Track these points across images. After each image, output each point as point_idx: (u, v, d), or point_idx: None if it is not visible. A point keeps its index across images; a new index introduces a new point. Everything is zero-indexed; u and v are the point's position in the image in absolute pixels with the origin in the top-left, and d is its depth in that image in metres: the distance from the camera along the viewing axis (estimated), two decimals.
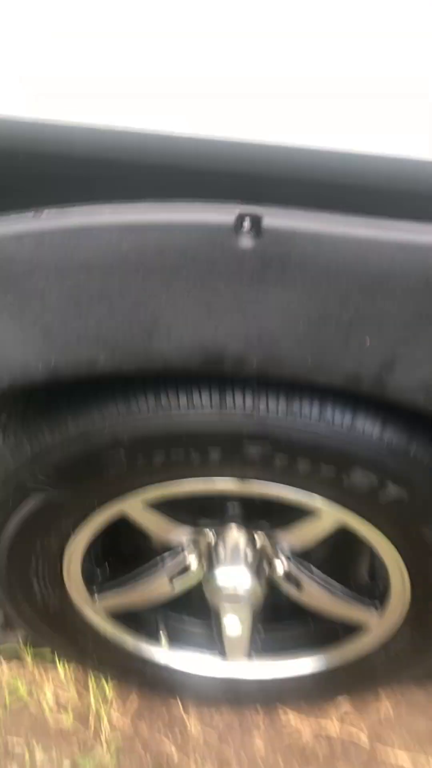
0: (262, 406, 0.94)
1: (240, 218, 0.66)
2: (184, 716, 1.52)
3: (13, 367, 0.79)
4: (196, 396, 0.95)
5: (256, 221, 0.65)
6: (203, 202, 0.67)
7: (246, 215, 0.65)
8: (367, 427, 0.95)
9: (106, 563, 1.33)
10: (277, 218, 0.66)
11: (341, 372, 0.76)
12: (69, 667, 1.54)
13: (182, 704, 1.53)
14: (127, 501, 1.12)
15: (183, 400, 0.95)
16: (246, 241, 0.66)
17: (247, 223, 0.66)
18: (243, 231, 0.66)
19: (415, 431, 0.97)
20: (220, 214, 0.66)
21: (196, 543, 1.27)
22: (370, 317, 0.71)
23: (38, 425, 1.02)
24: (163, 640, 1.40)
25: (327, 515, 1.10)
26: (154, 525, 1.19)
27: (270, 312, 0.71)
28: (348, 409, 0.95)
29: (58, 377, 0.81)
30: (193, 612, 1.47)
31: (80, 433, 1.00)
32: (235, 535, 1.25)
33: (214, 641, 1.43)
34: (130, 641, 1.39)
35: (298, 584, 1.28)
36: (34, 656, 1.54)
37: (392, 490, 1.00)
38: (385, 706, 1.53)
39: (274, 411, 0.94)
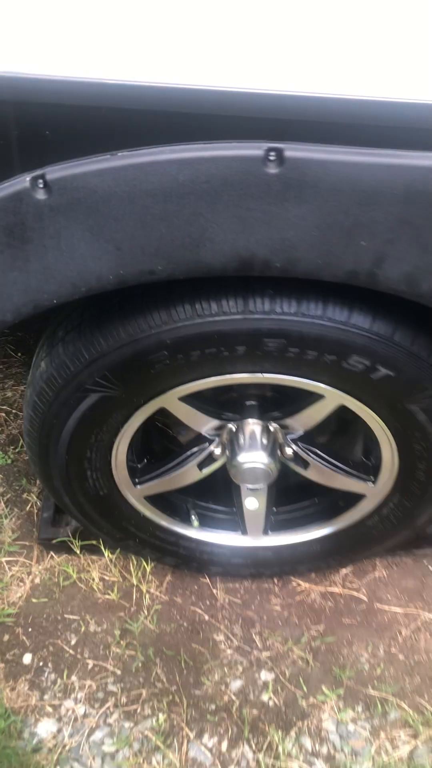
0: (278, 308, 1.18)
1: (267, 151, 0.88)
2: (212, 589, 1.80)
3: (90, 278, 1.02)
4: (224, 302, 1.18)
5: (279, 153, 0.88)
6: (239, 141, 0.89)
7: (272, 148, 0.88)
8: (361, 321, 1.20)
9: (144, 459, 1.59)
10: (295, 150, 0.88)
11: (343, 269, 1.00)
12: (113, 555, 1.82)
13: (210, 580, 1.82)
14: (167, 396, 1.36)
15: (214, 306, 1.18)
16: (272, 168, 0.89)
17: (272, 155, 0.89)
18: (270, 160, 0.89)
19: (398, 322, 1.21)
20: (252, 149, 0.89)
21: (220, 435, 1.53)
22: (365, 224, 0.94)
23: (93, 335, 1.25)
24: (194, 520, 1.67)
25: (329, 398, 1.35)
26: (189, 417, 1.44)
27: (290, 223, 0.94)
28: (345, 307, 1.19)
29: (124, 285, 1.04)
30: (218, 501, 1.74)
31: (130, 339, 1.23)
32: (252, 426, 1.51)
33: (237, 522, 1.71)
34: (165, 523, 1.65)
35: (305, 464, 1.55)
36: (82, 548, 1.81)
37: (381, 372, 1.25)
38: (379, 569, 1.83)
39: (287, 311, 1.18)
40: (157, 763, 1.52)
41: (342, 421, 1.64)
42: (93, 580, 1.80)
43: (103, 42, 0.88)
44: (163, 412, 1.47)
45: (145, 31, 0.89)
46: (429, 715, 1.58)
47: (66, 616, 1.76)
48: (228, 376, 1.32)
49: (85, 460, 1.46)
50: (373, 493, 1.54)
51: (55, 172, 0.92)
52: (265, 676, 1.66)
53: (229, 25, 0.90)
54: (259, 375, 1.31)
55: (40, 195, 0.94)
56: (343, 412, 1.41)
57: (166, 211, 0.94)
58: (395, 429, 1.39)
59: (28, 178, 0.93)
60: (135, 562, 1.81)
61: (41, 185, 0.93)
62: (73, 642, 1.72)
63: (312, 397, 1.39)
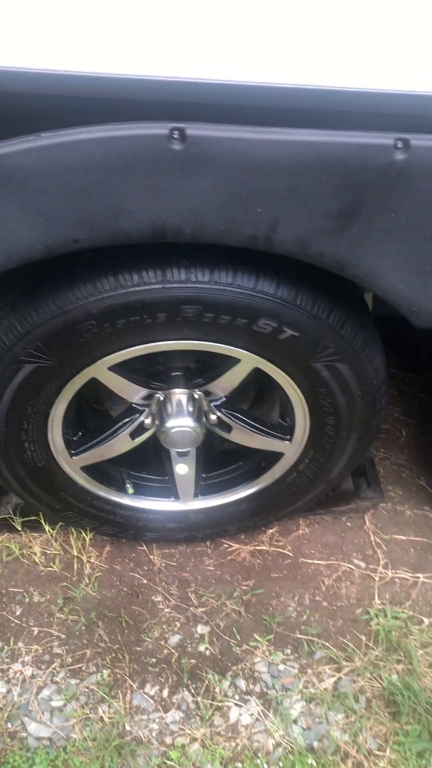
0: (193, 277, 1.33)
1: (171, 129, 1.03)
2: (149, 555, 1.93)
3: (21, 249, 1.14)
4: (144, 274, 1.32)
5: (182, 131, 1.03)
6: (147, 122, 1.04)
7: (175, 128, 1.03)
8: (266, 287, 1.35)
9: (79, 432, 1.71)
10: (195, 129, 1.04)
11: (244, 234, 1.16)
12: (54, 530, 1.91)
13: (147, 547, 1.94)
14: (97, 366, 1.48)
15: (135, 277, 1.32)
16: (176, 145, 1.04)
17: (176, 133, 1.04)
18: (174, 138, 1.04)
19: (300, 288, 1.38)
20: (159, 128, 1.03)
21: (149, 406, 1.66)
22: (259, 193, 1.10)
23: (25, 309, 1.37)
24: (129, 487, 1.80)
25: (244, 361, 1.50)
26: (119, 387, 1.57)
27: (195, 194, 1.09)
28: (252, 275, 1.35)
29: (53, 254, 1.16)
30: (151, 471, 1.87)
31: (59, 311, 1.35)
32: (179, 394, 1.65)
33: (169, 489, 1.84)
34: (102, 492, 1.77)
35: (228, 428, 1.69)
36: (23, 525, 1.90)
37: (287, 333, 1.41)
38: (302, 528, 1.99)
39: (201, 280, 1.33)
40: (103, 712, 1.63)
41: (259, 388, 1.80)
42: (35, 554, 1.90)
43: (23, 33, 1.02)
44: (96, 389, 1.60)
45: (63, 21, 1.03)
46: (351, 652, 1.74)
47: (10, 589, 1.85)
48: (152, 344, 1.46)
49: (23, 431, 1.57)
50: (290, 450, 1.70)
51: None
52: (202, 629, 1.79)
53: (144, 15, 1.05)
54: (181, 341, 1.45)
55: None
56: (260, 380, 1.57)
57: (87, 184, 1.08)
58: (304, 387, 1.55)
59: None
60: (75, 535, 1.92)
61: None
62: (18, 612, 1.80)
63: (229, 362, 1.54)
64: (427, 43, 1.06)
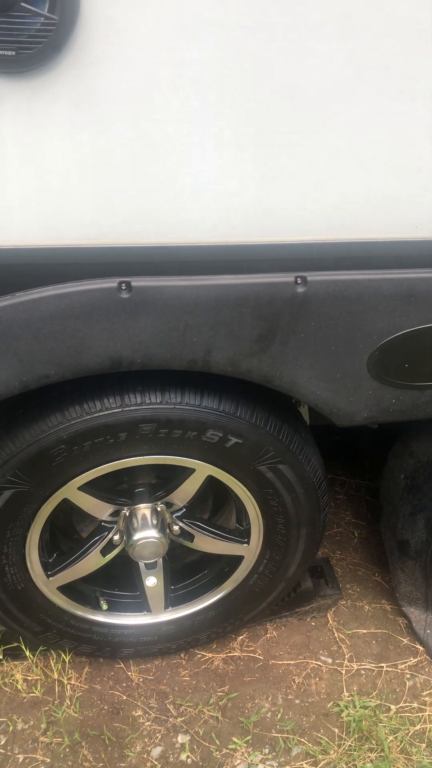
0: (147, 400, 1.57)
1: (119, 283, 1.31)
2: (127, 672, 2.01)
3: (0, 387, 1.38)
4: (105, 400, 1.56)
5: (128, 283, 1.31)
6: (101, 278, 1.32)
7: (122, 281, 1.31)
8: (211, 403, 1.60)
9: (54, 554, 1.86)
10: (139, 281, 1.32)
11: (185, 359, 1.41)
12: (34, 656, 2.00)
13: (124, 664, 2.03)
14: (68, 487, 1.68)
15: (98, 404, 1.56)
16: (124, 294, 1.32)
17: (123, 285, 1.31)
18: (122, 289, 1.32)
19: (239, 402, 1.62)
20: (107, 282, 1.32)
21: (117, 522, 1.84)
22: (194, 326, 1.37)
23: (3, 441, 1.58)
24: (103, 603, 1.92)
25: (198, 470, 1.72)
26: (89, 505, 1.75)
27: (142, 331, 1.36)
28: (197, 393, 1.59)
29: (27, 389, 1.39)
30: (122, 588, 2.00)
31: (33, 440, 1.57)
32: (143, 509, 1.83)
33: (141, 603, 1.97)
34: (79, 611, 1.89)
35: (191, 537, 1.87)
36: (5, 654, 1.98)
37: (232, 441, 1.64)
38: (270, 632, 2.11)
39: (154, 401, 1.57)
40: None
41: (216, 498, 1.99)
42: (17, 682, 1.96)
43: None
44: (66, 515, 1.77)
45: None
46: (325, 745, 1.82)
47: None
48: (116, 462, 1.66)
49: (3, 555, 1.72)
50: (249, 552, 1.87)
51: None
52: (182, 738, 1.85)
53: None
54: (141, 457, 1.67)
55: None
56: (216, 491, 1.77)
57: (53, 330, 1.33)
58: (253, 490, 1.75)
59: None
60: (55, 658, 2.00)
61: None
62: (2, 741, 1.85)
63: (186, 473, 1.75)
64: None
